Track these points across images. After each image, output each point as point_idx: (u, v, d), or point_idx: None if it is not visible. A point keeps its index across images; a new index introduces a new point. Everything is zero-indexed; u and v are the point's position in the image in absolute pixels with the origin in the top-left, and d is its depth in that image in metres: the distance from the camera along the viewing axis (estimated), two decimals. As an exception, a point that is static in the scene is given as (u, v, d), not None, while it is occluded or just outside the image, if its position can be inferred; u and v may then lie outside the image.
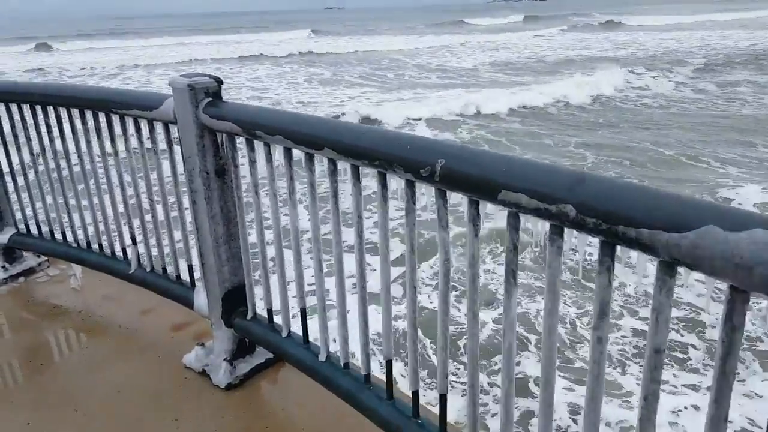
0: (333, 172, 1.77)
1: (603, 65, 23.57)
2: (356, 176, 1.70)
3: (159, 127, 2.33)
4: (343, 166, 1.74)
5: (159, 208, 2.51)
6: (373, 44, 40.95)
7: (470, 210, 1.41)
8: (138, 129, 2.39)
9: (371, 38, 48.31)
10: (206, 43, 46.80)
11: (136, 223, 2.66)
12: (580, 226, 1.13)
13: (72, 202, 2.89)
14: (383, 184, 1.64)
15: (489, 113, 15.59)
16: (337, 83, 22.71)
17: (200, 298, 2.48)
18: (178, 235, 2.52)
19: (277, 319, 2.29)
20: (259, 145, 1.99)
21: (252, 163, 2.06)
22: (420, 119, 15.21)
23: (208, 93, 2.06)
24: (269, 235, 2.13)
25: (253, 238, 2.27)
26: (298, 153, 1.87)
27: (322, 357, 2.05)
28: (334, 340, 2.02)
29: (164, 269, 2.68)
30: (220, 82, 2.09)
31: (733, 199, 8.72)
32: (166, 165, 2.37)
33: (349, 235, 1.91)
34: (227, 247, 2.30)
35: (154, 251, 2.66)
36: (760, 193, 8.90)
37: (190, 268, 2.55)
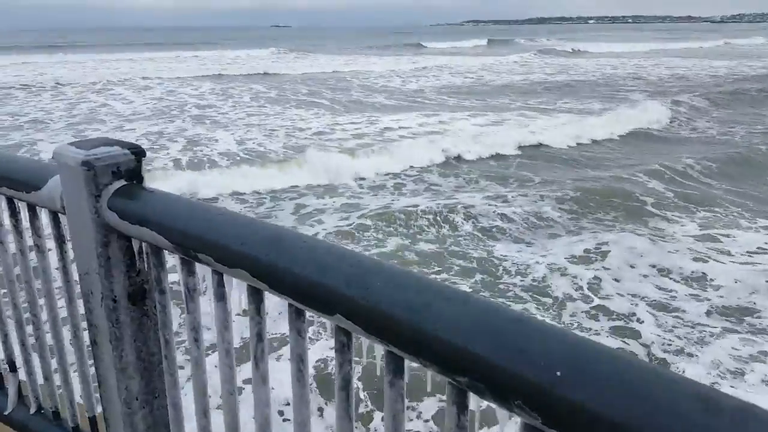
0: (345, 347, 0.94)
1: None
2: (398, 370, 0.87)
3: (44, 215, 1.45)
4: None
5: (46, 321, 1.62)
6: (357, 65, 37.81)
7: None
8: (13, 213, 1.50)
9: (338, 58, 45.65)
10: (152, 59, 42.37)
11: (15, 342, 1.75)
12: None
13: None
14: (460, 409, 0.81)
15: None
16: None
17: (106, 473, 1.57)
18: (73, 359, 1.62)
19: None
20: (204, 269, 1.14)
21: (191, 292, 1.20)
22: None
23: (118, 173, 1.19)
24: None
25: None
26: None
27: None
28: None
29: (56, 412, 1.77)
30: (140, 153, 1.22)
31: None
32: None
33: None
34: (148, 411, 1.42)
35: (42, 385, 1.75)
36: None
37: (92, 422, 1.64)
